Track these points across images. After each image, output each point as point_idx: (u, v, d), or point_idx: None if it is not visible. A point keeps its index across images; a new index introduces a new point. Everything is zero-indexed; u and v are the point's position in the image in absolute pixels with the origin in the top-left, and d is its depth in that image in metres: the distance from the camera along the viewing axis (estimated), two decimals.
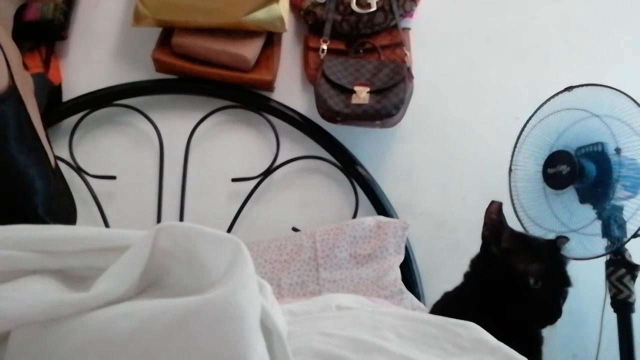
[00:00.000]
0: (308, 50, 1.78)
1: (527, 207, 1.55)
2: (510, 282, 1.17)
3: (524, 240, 1.25)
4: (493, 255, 1.21)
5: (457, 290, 1.25)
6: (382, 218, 1.66)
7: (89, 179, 1.72)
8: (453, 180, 1.79)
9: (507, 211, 1.28)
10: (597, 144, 1.46)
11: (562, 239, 1.25)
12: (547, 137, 1.56)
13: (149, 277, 0.55)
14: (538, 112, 1.59)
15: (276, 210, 1.78)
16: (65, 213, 0.95)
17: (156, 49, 1.73)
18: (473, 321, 0.79)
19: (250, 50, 1.69)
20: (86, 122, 1.77)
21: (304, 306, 0.91)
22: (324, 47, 1.72)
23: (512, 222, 1.35)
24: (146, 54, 1.74)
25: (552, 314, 1.15)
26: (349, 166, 1.76)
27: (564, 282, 1.18)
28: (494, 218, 1.24)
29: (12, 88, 0.82)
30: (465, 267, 1.26)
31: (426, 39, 1.82)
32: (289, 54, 1.83)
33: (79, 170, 1.72)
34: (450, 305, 1.24)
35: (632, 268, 1.42)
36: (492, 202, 1.24)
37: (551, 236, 1.51)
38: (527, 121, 1.61)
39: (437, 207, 1.79)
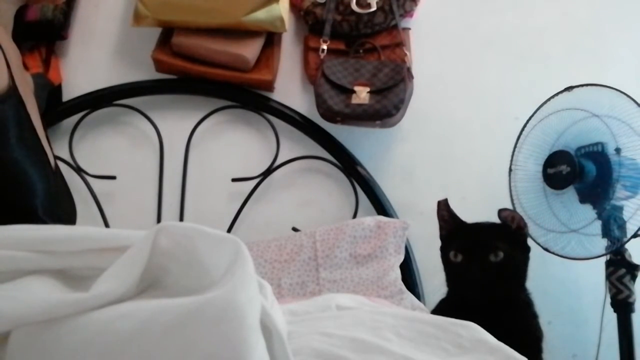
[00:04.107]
0: (308, 50, 1.78)
1: (527, 207, 1.55)
2: (446, 266, 1.24)
3: (465, 225, 1.26)
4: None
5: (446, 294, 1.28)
6: (382, 218, 1.66)
7: (89, 179, 1.72)
8: (453, 180, 1.78)
9: None
10: (597, 144, 1.46)
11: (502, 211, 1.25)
12: (547, 137, 1.56)
13: (148, 277, 0.55)
14: (538, 112, 1.59)
15: (276, 210, 1.78)
16: (65, 213, 0.95)
17: (156, 49, 1.73)
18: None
19: (250, 50, 1.69)
20: (86, 122, 1.76)
21: (304, 306, 0.91)
22: (324, 47, 1.72)
23: None
24: (146, 54, 1.74)
25: (470, 283, 1.17)
26: (349, 166, 1.76)
27: (485, 250, 1.17)
28: (444, 215, 1.26)
29: (12, 88, 0.82)
30: None
31: (426, 39, 1.82)
32: (289, 54, 1.83)
33: (79, 170, 1.72)
34: (440, 309, 1.26)
35: (632, 268, 1.42)
36: (439, 202, 1.28)
37: (551, 236, 1.52)
38: (527, 121, 1.61)
39: None
